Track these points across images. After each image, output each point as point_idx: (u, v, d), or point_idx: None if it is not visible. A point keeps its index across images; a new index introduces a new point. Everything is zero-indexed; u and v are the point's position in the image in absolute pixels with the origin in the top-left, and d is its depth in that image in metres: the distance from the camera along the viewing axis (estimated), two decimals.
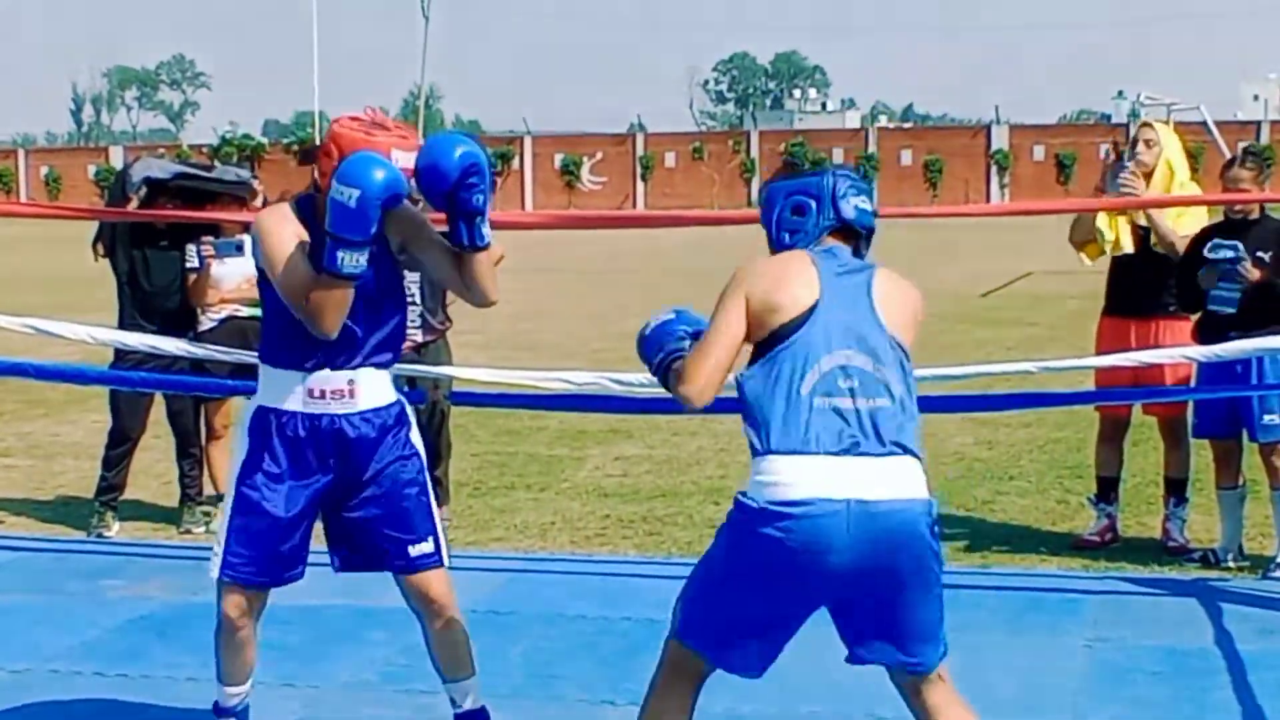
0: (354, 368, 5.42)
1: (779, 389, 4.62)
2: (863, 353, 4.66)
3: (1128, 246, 8.75)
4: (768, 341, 4.69)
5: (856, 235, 4.95)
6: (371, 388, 5.47)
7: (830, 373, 4.62)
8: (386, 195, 5.08)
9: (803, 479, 4.53)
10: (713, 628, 4.78)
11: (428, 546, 5.54)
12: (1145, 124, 9.00)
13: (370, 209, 5.06)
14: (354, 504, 5.51)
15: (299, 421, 5.41)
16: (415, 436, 5.60)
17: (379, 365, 5.49)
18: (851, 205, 4.91)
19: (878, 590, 4.66)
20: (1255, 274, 8.11)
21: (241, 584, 5.50)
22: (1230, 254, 8.08)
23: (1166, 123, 10.65)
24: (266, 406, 5.44)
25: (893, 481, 4.59)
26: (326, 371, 5.36)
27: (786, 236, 4.94)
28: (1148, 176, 8.65)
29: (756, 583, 4.64)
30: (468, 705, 5.71)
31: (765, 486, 4.58)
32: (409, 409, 5.64)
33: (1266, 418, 8.29)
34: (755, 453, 4.65)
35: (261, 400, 5.48)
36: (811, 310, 4.68)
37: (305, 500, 5.46)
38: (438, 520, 5.61)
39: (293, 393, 5.39)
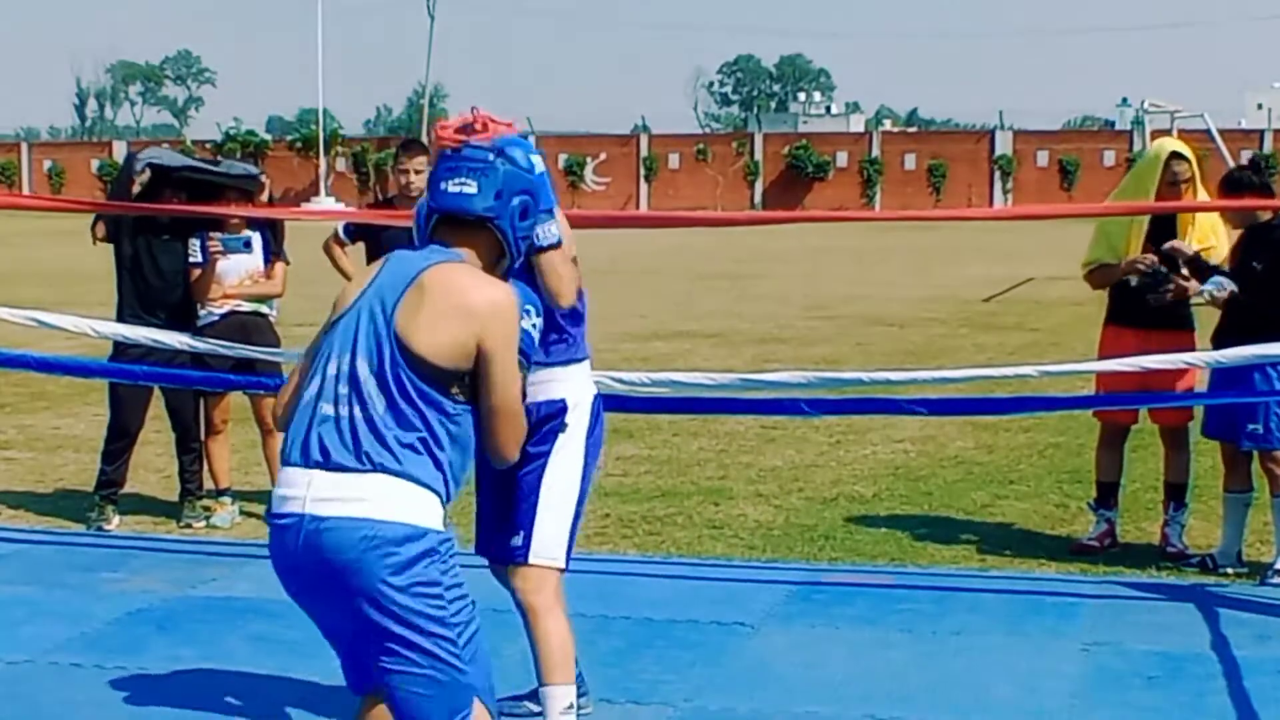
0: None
1: (300, 391, 4.39)
2: (365, 358, 4.27)
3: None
4: None
5: (471, 226, 4.48)
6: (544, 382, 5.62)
7: (331, 378, 4.29)
8: None
9: (282, 489, 4.29)
10: None
11: (517, 540, 5.60)
12: (1177, 156, 8.80)
13: None
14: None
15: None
16: (565, 437, 5.66)
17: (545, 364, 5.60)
18: (440, 189, 4.49)
19: (337, 617, 4.31)
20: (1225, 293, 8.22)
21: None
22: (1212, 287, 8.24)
23: (1169, 132, 10.63)
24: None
25: (351, 498, 4.20)
26: None
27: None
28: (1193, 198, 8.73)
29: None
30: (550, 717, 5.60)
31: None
32: (573, 413, 5.69)
33: (1250, 425, 8.32)
34: None
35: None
36: (345, 312, 4.38)
37: None
38: (542, 519, 5.61)
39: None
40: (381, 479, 4.19)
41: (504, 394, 4.32)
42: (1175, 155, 8.71)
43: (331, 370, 4.29)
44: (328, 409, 4.26)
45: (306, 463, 4.24)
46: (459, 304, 4.27)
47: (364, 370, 4.25)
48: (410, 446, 4.23)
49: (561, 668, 5.59)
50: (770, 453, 11.82)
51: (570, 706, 5.59)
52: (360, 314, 4.32)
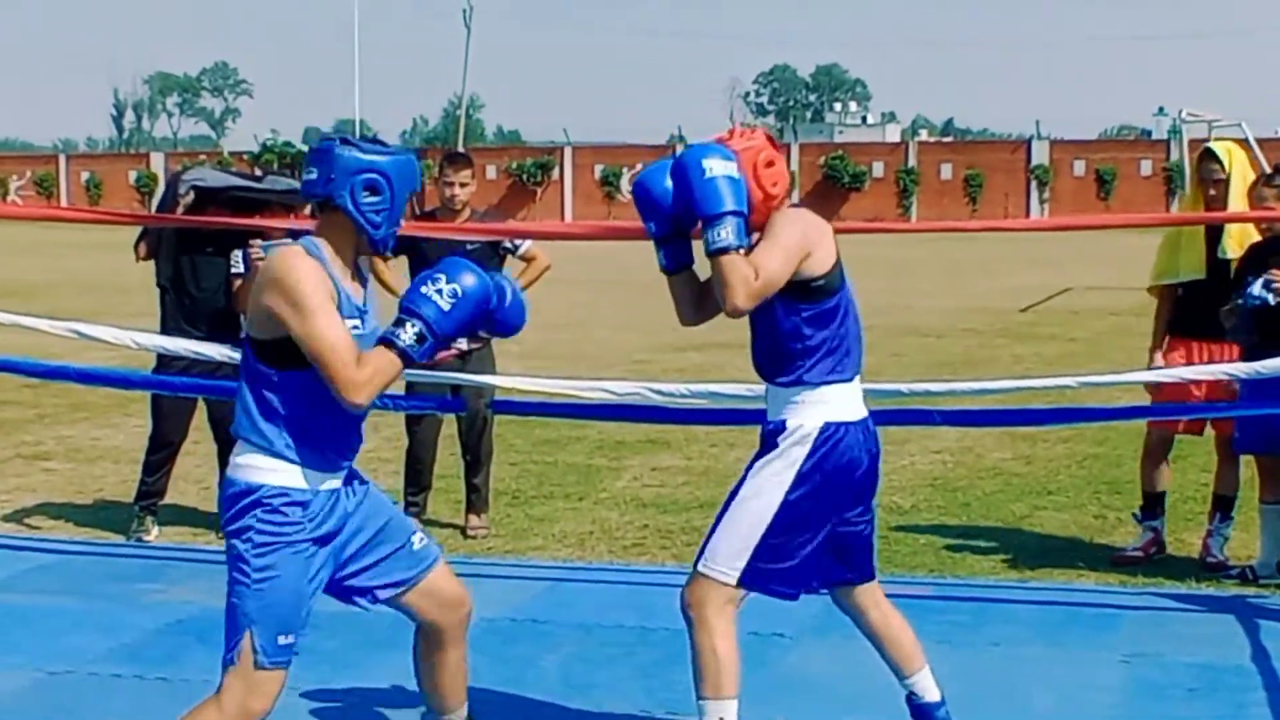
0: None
1: None
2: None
3: (1198, 271, 8.75)
4: None
5: (326, 209, 5.02)
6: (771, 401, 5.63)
7: None
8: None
9: None
10: None
11: (701, 546, 5.63)
12: (1208, 152, 8.82)
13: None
14: None
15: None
16: (773, 456, 5.52)
17: (775, 383, 5.60)
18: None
19: None
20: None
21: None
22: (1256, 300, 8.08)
23: (1207, 141, 10.58)
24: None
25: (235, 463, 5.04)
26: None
27: None
28: (1224, 200, 8.65)
29: None
30: None
31: None
32: (787, 437, 5.52)
33: None
34: None
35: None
36: None
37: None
38: (723, 531, 5.55)
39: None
40: (241, 445, 5.00)
41: (310, 344, 4.79)
42: (1206, 153, 8.77)
43: None
44: None
45: None
46: (259, 280, 4.94)
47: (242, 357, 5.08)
48: (257, 415, 4.96)
49: (709, 681, 5.49)
50: None
51: None
52: None
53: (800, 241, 5.41)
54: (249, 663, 4.95)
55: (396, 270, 9.58)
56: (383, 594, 5.27)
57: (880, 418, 8.92)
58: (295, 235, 9.49)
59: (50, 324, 8.79)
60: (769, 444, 5.56)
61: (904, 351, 19.40)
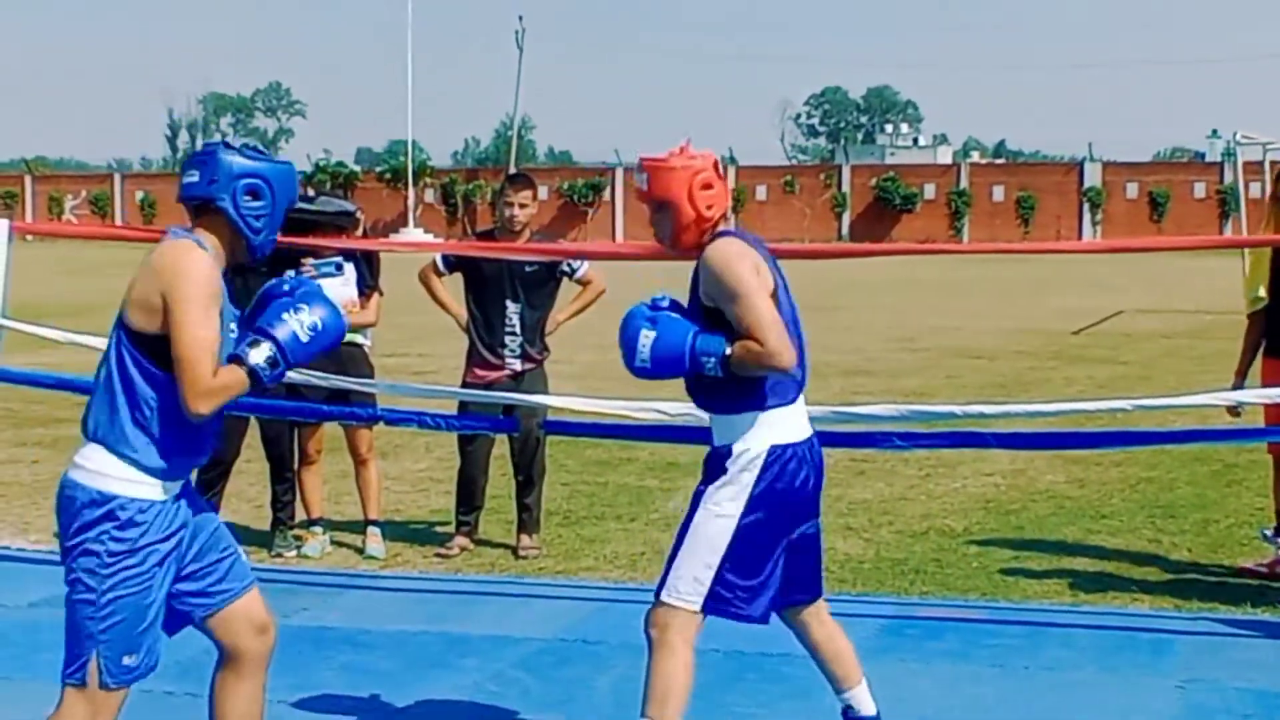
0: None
1: None
2: (110, 337, 4.94)
3: (1266, 287, 8.76)
4: None
5: (205, 210, 4.98)
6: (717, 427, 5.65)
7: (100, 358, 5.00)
8: None
9: None
10: None
11: (663, 574, 5.59)
12: None
13: None
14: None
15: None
16: (724, 480, 5.53)
17: (717, 412, 5.62)
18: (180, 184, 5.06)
19: None
20: None
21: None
22: None
23: (1261, 164, 10.58)
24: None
25: (77, 463, 4.87)
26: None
27: None
28: None
29: None
30: None
31: None
32: (735, 460, 5.53)
33: None
34: None
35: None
36: None
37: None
38: (681, 558, 5.51)
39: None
40: (94, 447, 4.83)
41: (180, 345, 4.70)
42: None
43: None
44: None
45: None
46: (149, 266, 4.84)
47: (108, 346, 4.92)
48: (120, 415, 4.80)
49: (656, 703, 5.53)
50: (860, 485, 11.79)
51: None
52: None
53: (754, 280, 5.39)
54: (95, 683, 4.87)
55: (450, 287, 9.61)
56: (208, 603, 5.14)
57: (933, 440, 8.96)
58: (348, 255, 9.58)
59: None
60: (716, 468, 5.56)
61: (957, 373, 19.36)
